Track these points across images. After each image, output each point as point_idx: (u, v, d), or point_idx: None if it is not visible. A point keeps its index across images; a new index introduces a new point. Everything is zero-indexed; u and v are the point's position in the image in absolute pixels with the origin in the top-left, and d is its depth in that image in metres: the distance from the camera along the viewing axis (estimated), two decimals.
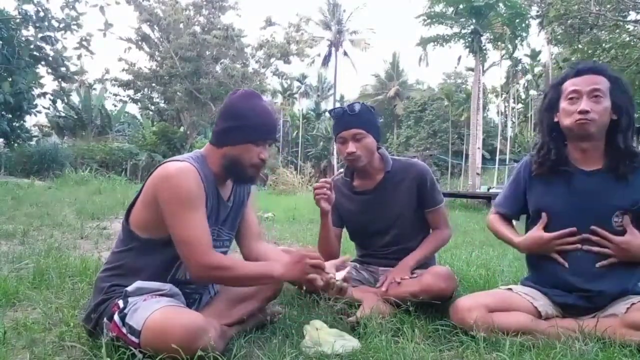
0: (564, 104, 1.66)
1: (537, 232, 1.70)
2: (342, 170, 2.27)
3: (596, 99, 1.60)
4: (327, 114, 40.12)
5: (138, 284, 1.42)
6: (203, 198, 1.47)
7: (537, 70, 34.12)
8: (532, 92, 35.93)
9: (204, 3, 21.03)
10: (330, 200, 1.99)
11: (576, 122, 1.61)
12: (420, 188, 2.08)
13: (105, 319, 1.39)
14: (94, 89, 22.25)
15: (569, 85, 1.65)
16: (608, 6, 10.63)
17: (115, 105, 24.21)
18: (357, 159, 1.99)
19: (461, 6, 18.38)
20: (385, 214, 2.11)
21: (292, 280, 1.52)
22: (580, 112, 1.59)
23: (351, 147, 1.97)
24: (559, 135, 1.72)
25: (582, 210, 1.65)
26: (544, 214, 1.71)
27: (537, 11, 15.04)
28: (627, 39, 10.62)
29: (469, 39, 19.11)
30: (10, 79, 10.39)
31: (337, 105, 38.87)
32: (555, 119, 1.70)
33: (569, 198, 1.68)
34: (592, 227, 1.63)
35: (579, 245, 1.64)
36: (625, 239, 1.59)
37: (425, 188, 2.08)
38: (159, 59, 21.09)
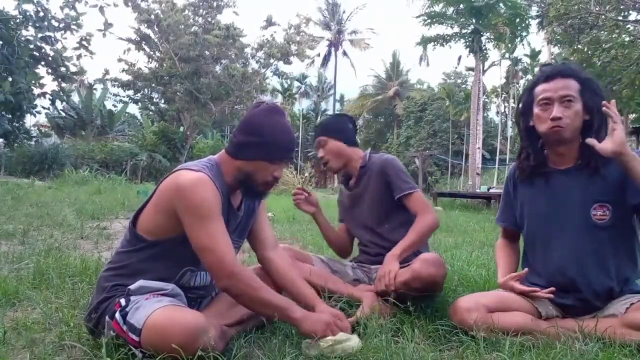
0: (536, 110, 1.69)
1: (512, 283, 1.74)
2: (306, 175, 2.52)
3: (567, 103, 1.62)
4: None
5: (141, 282, 1.43)
6: (220, 206, 1.47)
7: (537, 70, 34.11)
8: None
9: (201, 3, 21.01)
10: (311, 203, 2.24)
11: (550, 129, 1.64)
12: (385, 177, 2.13)
13: (107, 317, 1.40)
14: (95, 89, 22.26)
15: (540, 91, 1.68)
16: (608, 6, 10.63)
17: (115, 106, 24.22)
18: (326, 163, 2.21)
19: (461, 6, 18.37)
20: (362, 207, 2.23)
21: (307, 330, 1.46)
22: (553, 119, 1.62)
23: (319, 152, 2.21)
24: (537, 138, 1.75)
25: (561, 207, 1.70)
26: (526, 269, 1.77)
27: (537, 11, 15.04)
28: (627, 39, 10.60)
29: (469, 39, 19.10)
30: (10, 79, 10.39)
31: (337, 105, 38.82)
32: (531, 123, 1.73)
33: (548, 197, 1.74)
34: (604, 103, 1.53)
35: (551, 295, 1.65)
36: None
37: (389, 176, 2.12)
38: (158, 59, 21.08)
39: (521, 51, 31.34)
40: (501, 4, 17.97)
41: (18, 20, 10.62)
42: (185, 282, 1.55)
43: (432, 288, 1.85)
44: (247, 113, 1.61)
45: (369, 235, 2.22)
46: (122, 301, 1.38)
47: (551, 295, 1.65)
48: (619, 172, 1.62)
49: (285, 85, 41.59)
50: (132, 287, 1.41)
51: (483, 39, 19.35)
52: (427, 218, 2.05)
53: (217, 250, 1.41)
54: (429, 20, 18.75)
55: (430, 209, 2.10)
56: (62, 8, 11.27)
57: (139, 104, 24.16)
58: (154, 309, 1.31)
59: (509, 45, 19.96)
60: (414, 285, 1.81)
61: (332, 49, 40.48)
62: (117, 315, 1.35)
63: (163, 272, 1.50)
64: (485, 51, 19.82)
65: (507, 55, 22.86)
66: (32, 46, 11.01)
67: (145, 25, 20.48)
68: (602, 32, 10.83)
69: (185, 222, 1.42)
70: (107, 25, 11.65)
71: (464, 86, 38.57)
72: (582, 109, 1.64)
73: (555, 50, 24.45)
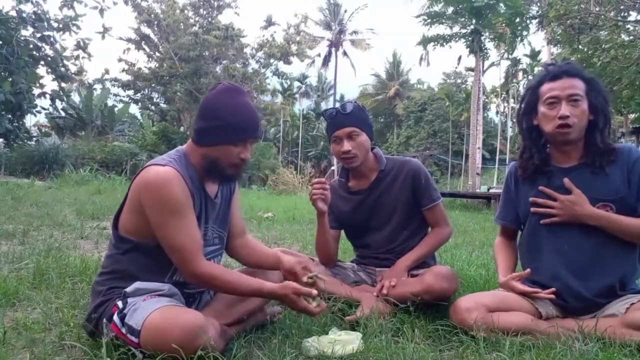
0: (543, 109, 1.68)
1: (513, 283, 1.73)
2: (333, 169, 2.32)
3: (574, 102, 1.62)
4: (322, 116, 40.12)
5: (137, 284, 1.42)
6: (189, 203, 1.44)
7: (537, 70, 34.10)
8: None
9: (202, 3, 21.03)
10: (326, 201, 1.97)
11: (557, 127, 1.63)
12: (415, 184, 2.06)
13: (104, 320, 1.39)
14: (95, 89, 22.27)
15: (546, 90, 1.67)
16: (608, 6, 10.62)
17: (115, 106, 24.21)
18: (352, 157, 1.99)
19: (461, 6, 18.36)
20: (379, 212, 2.11)
21: (280, 299, 1.52)
22: (561, 118, 1.62)
23: (346, 145, 1.97)
24: (539, 137, 1.75)
25: None
26: (528, 270, 1.75)
27: (537, 11, 15.03)
28: (627, 39, 10.59)
29: (469, 39, 19.08)
30: (10, 79, 10.39)
31: (337, 105, 38.78)
32: (535, 122, 1.73)
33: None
34: (540, 187, 1.70)
35: (552, 296, 1.65)
36: (569, 197, 1.65)
37: (420, 183, 2.06)
38: (158, 59, 21.09)
39: (521, 51, 31.36)
40: (501, 4, 17.96)
41: (17, 21, 10.63)
42: (178, 279, 1.52)
43: (441, 300, 1.84)
44: (203, 97, 1.56)
45: (382, 240, 2.12)
46: (120, 304, 1.37)
47: (552, 296, 1.65)
48: (623, 172, 1.63)
49: (285, 86, 41.58)
50: (128, 289, 1.40)
51: (483, 38, 19.33)
52: (444, 232, 2.12)
53: (181, 250, 1.40)
54: (429, 20, 18.74)
55: (448, 221, 2.13)
56: (60, 8, 11.30)
57: (139, 104, 24.16)
58: (152, 310, 1.30)
59: (509, 46, 19.92)
60: (424, 297, 1.81)
61: (333, 49, 40.47)
62: (115, 317, 1.35)
63: (154, 272, 1.48)
64: (485, 51, 19.80)
65: (506, 55, 22.83)
66: (31, 46, 11.02)
67: (145, 25, 20.49)
68: (602, 32, 10.82)
69: (152, 219, 1.40)
70: (106, 29, 11.69)
71: (463, 86, 38.59)
72: (587, 109, 1.64)
73: (555, 50, 24.44)
